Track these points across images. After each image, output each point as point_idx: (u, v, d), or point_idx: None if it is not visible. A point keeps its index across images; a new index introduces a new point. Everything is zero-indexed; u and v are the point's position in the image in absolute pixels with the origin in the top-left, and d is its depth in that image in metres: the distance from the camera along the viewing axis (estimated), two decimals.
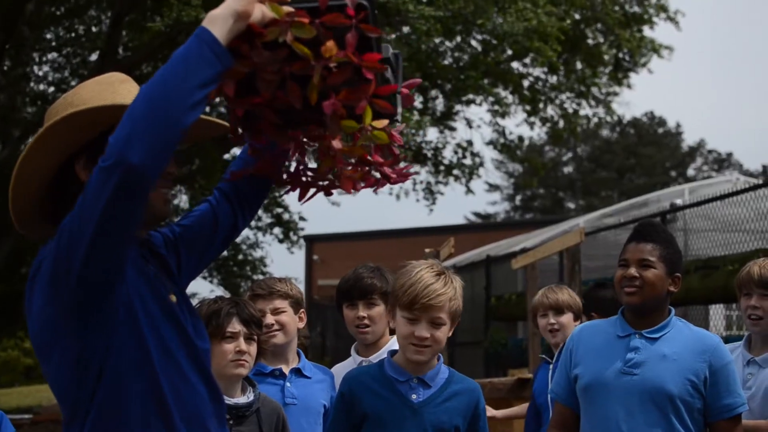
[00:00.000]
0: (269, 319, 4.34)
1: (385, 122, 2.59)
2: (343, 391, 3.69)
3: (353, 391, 3.65)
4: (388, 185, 2.81)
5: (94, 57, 19.76)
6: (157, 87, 2.47)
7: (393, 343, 4.45)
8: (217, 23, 2.51)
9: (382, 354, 4.35)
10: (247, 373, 3.97)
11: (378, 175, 2.73)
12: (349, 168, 2.71)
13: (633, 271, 4.10)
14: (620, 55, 20.42)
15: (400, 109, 2.73)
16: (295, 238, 24.93)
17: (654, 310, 4.12)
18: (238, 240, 26.19)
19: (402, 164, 2.78)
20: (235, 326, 3.91)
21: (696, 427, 4.03)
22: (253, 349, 3.97)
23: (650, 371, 4.01)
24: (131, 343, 2.64)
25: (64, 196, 2.77)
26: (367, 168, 2.70)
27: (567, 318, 5.71)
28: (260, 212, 24.85)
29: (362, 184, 2.75)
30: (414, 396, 3.60)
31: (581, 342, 4.26)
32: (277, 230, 24.64)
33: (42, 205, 2.82)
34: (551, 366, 5.73)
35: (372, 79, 2.53)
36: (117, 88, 2.79)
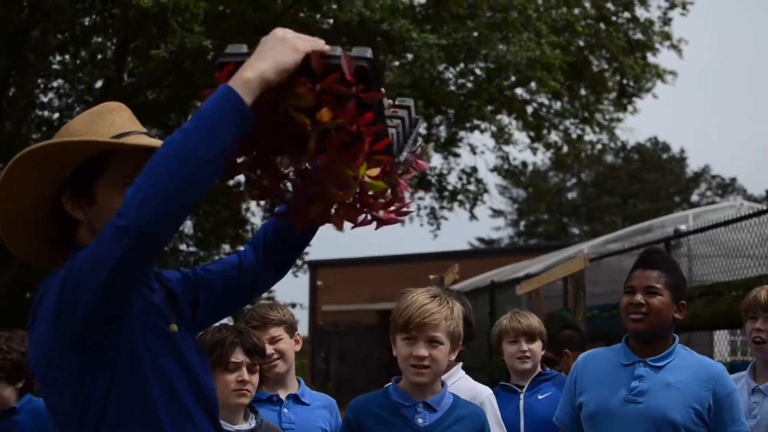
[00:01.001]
0: (268, 349, 4.31)
1: (377, 171, 2.54)
2: (349, 418, 3.74)
3: (359, 418, 3.70)
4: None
5: (99, 84, 19.83)
6: (182, 152, 2.39)
7: (455, 373, 4.63)
8: (248, 89, 2.42)
9: (448, 378, 4.42)
10: (248, 402, 3.98)
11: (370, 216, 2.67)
12: (341, 207, 2.64)
13: (639, 298, 4.10)
14: (624, 81, 20.44)
15: (405, 153, 2.70)
16: (299, 262, 24.92)
17: (659, 337, 4.13)
18: None
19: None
20: (239, 356, 3.93)
21: None
22: (255, 378, 3.98)
23: (655, 399, 4.01)
24: (133, 381, 2.62)
25: (60, 226, 2.80)
26: (360, 209, 2.65)
27: (537, 346, 5.45)
28: None
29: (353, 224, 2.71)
30: (420, 420, 3.63)
31: (586, 370, 4.26)
32: None
33: (43, 232, 2.84)
34: (521, 395, 5.45)
35: (368, 141, 2.47)
36: (104, 119, 2.79)
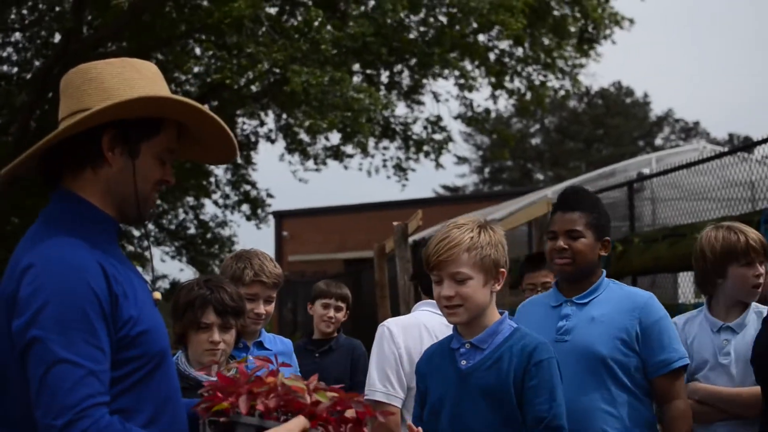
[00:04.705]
0: (261, 308, 4.39)
1: None
2: (419, 369, 3.64)
3: (420, 370, 3.61)
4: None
5: (58, 38, 19.58)
6: None
7: None
8: None
9: None
10: (223, 360, 3.91)
11: None
12: None
13: (562, 242, 4.11)
14: (584, 26, 20.36)
15: None
16: (263, 214, 24.86)
17: (587, 276, 4.15)
18: (206, 218, 26.07)
19: None
20: (209, 317, 3.88)
21: (636, 386, 4.03)
22: (229, 336, 3.92)
23: (579, 335, 4.03)
24: None
25: (71, 155, 2.65)
26: None
27: None
28: (228, 190, 24.76)
29: None
30: (463, 362, 3.41)
31: (521, 318, 4.22)
32: (245, 207, 24.55)
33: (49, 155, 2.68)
34: None
35: None
36: (161, 85, 2.72)
